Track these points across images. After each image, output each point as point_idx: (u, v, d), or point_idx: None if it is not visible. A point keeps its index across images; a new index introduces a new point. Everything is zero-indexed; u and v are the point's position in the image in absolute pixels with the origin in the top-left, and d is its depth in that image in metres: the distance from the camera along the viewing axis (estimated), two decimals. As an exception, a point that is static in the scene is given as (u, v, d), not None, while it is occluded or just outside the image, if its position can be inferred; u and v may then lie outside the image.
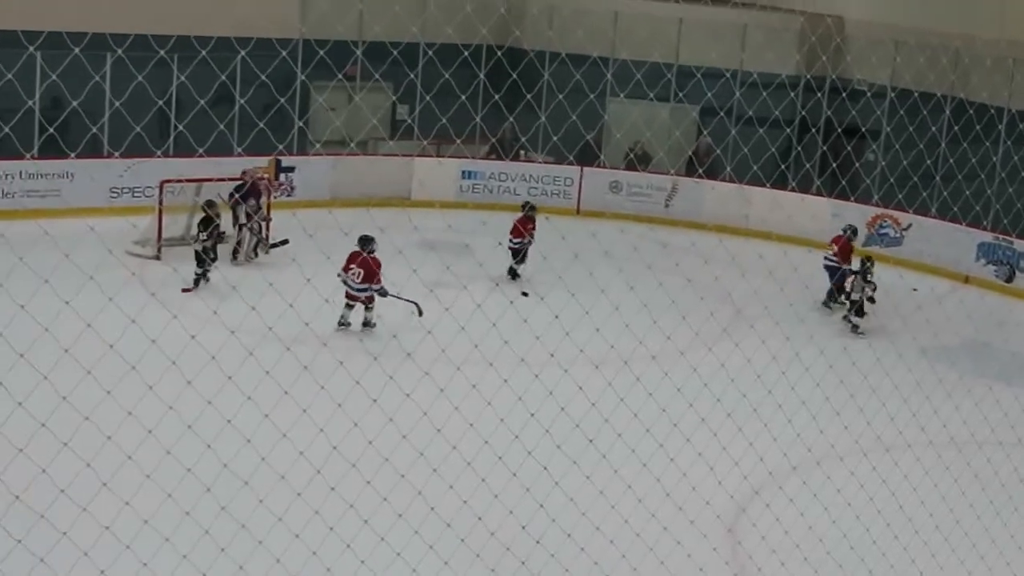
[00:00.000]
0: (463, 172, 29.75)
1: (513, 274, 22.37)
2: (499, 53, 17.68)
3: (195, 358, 9.05)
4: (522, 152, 30.56)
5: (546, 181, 30.25)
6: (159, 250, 22.60)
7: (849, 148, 22.61)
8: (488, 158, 30.09)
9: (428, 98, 10.33)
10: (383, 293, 18.72)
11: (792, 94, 16.20)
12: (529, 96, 14.56)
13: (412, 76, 13.54)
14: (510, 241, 22.63)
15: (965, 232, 26.76)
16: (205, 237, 21.03)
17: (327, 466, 10.18)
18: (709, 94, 26.49)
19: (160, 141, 24.52)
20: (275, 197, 25.33)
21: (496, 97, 12.11)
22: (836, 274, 23.34)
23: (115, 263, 11.67)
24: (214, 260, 20.83)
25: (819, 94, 26.58)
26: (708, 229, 26.31)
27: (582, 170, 29.97)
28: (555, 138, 23.55)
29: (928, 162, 22.56)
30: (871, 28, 28.91)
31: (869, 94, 24.92)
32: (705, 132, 30.80)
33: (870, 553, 12.33)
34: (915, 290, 20.42)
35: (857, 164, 25.56)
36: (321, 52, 11.34)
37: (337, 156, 27.74)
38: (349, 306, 18.84)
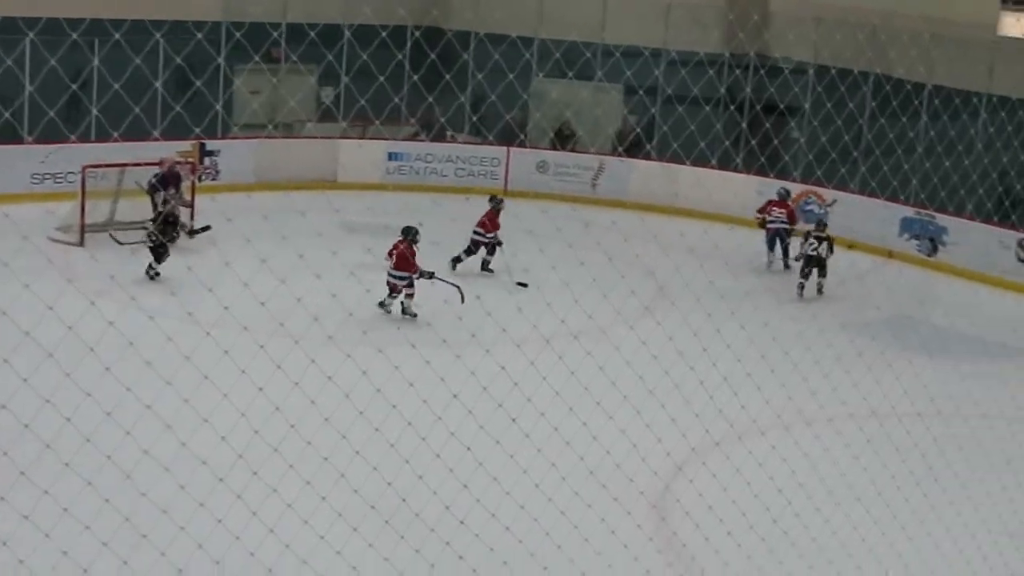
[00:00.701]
0: (389, 154, 29.64)
1: (485, 266, 21.19)
2: (416, 34, 17.65)
3: (114, 345, 9.01)
4: (448, 133, 30.51)
5: (472, 162, 30.22)
6: (82, 237, 22.40)
7: (768, 125, 22.80)
8: (413, 139, 30.03)
9: (346, 80, 10.28)
10: (428, 276, 18.41)
11: (710, 72, 16.23)
12: (448, 77, 14.54)
13: (330, 58, 13.44)
14: (476, 234, 21.53)
15: (888, 207, 27.07)
16: (158, 229, 20.73)
17: (249, 451, 10.17)
18: (628, 73, 26.56)
19: (80, 127, 24.28)
20: (199, 181, 25.16)
21: (414, 78, 12.09)
22: (787, 235, 25.08)
23: (33, 250, 11.58)
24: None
25: (736, 71, 26.77)
26: (627, 207, 26.45)
27: (509, 151, 29.95)
28: (474, 118, 23.52)
29: (846, 138, 22.75)
30: (794, 5, 29.13)
31: (787, 71, 25.09)
32: (626, 110, 30.94)
33: (793, 526, 12.45)
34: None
35: (776, 141, 25.72)
36: (238, 35, 11.28)
37: (261, 139, 27.59)
38: (390, 294, 18.74)
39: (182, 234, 22.76)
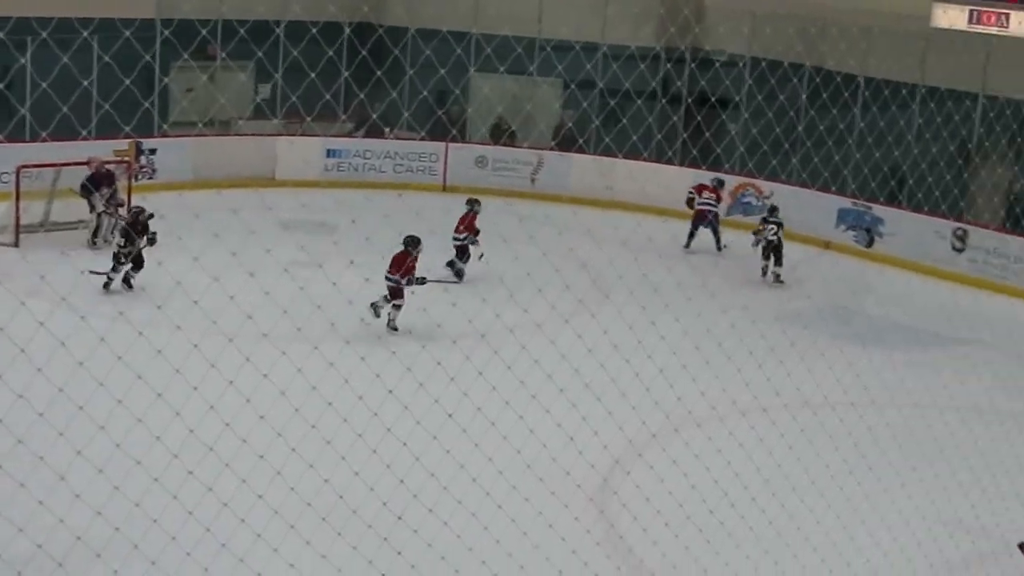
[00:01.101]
0: (327, 151, 29.57)
1: (459, 274, 20.90)
2: (348, 31, 17.62)
3: (46, 346, 8.95)
4: (386, 129, 30.46)
5: (411, 158, 30.19)
6: (17, 237, 22.22)
7: (699, 118, 22.93)
8: (349, 136, 29.97)
9: (278, 76, 10.27)
10: (420, 282, 17.93)
11: (641, 66, 16.31)
12: (380, 73, 14.52)
13: (260, 55, 13.40)
14: (456, 239, 21.23)
15: (825, 198, 27.30)
16: (123, 243, 20.36)
17: (184, 450, 10.14)
18: (559, 68, 26.62)
19: (15, 126, 24.08)
20: (135, 180, 25.00)
21: (346, 75, 12.07)
22: (716, 220, 26.12)
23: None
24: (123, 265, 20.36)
25: (668, 66, 26.92)
26: (564, 202, 26.54)
27: (447, 146, 29.96)
28: (406, 114, 23.47)
29: (777, 130, 22.90)
30: (729, -2, 29.35)
31: (718, 64, 25.23)
32: (559, 105, 31.01)
33: (730, 516, 12.57)
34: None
35: (707, 134, 25.88)
36: (166, 32, 11.22)
37: (198, 137, 27.46)
38: (386, 297, 18.17)
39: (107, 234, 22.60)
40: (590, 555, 11.95)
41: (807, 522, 12.99)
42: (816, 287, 23.05)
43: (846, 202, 27.42)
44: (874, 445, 14.36)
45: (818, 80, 26.19)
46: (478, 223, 21.35)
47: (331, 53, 11.82)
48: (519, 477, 11.87)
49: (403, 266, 18.28)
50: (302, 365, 10.42)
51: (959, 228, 25.96)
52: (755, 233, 24.47)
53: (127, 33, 9.33)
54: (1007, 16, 25.25)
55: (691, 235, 25.97)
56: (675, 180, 28.06)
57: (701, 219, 26.19)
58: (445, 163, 30.14)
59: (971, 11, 25.51)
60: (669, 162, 29.10)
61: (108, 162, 23.59)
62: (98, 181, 22.57)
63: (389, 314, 18.34)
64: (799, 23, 27.80)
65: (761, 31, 27.60)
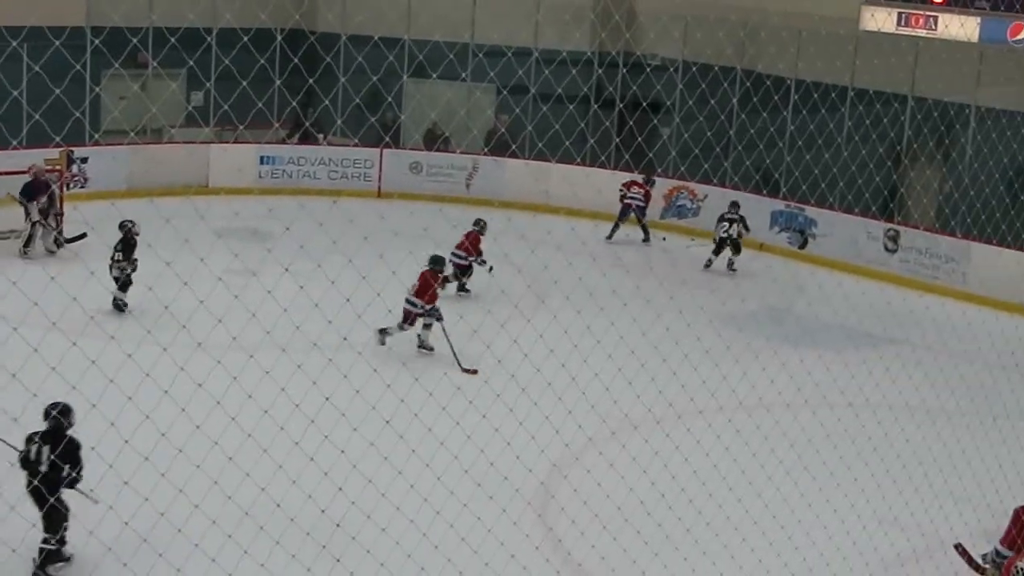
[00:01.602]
0: (261, 157, 29.42)
1: (462, 288, 21.03)
2: (279, 38, 17.57)
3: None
4: (320, 135, 30.37)
5: (345, 164, 30.10)
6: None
7: (631, 123, 23.01)
8: (282, 143, 29.87)
9: (210, 85, 10.23)
10: (438, 316, 17.31)
11: (572, 72, 16.38)
12: (312, 80, 14.51)
13: (191, 64, 13.35)
14: (456, 256, 20.91)
15: (758, 200, 27.49)
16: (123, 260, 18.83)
17: (119, 461, 10.06)
18: (491, 73, 26.64)
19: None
20: (67, 189, 24.78)
21: (278, 82, 12.04)
22: (642, 214, 27.29)
23: None
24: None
25: (600, 69, 27.04)
26: (495, 206, 26.56)
27: (382, 152, 29.90)
28: (339, 121, 23.38)
29: (709, 134, 23.06)
30: (659, 3, 29.47)
31: (649, 69, 25.36)
32: (492, 111, 31.04)
33: (667, 519, 12.64)
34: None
35: (640, 138, 26.01)
36: (96, 41, 11.16)
37: (130, 145, 27.25)
38: (403, 323, 17.47)
39: (58, 244, 22.36)
40: (529, 559, 11.98)
41: (744, 523, 13.09)
42: (750, 289, 23.23)
43: (779, 204, 27.64)
44: (809, 445, 14.48)
45: (749, 83, 26.51)
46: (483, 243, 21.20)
47: (263, 61, 11.79)
48: (457, 483, 11.89)
49: (429, 290, 17.60)
50: (238, 374, 10.38)
51: (891, 229, 26.24)
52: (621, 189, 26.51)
53: (57, 43, 9.25)
54: (935, 19, 25.56)
55: (615, 227, 26.93)
56: (609, 184, 28.16)
57: (625, 212, 27.13)
58: (380, 169, 30.09)
59: (900, 14, 25.80)
60: (603, 166, 29.22)
61: (46, 171, 23.36)
62: (36, 189, 22.33)
63: (420, 335, 17.72)
64: (730, 27, 28.04)
65: (692, 35, 27.81)
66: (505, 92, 29.21)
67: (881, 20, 25.94)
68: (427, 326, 17.76)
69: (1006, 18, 24.32)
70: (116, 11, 23.15)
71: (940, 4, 25.51)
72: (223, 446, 10.45)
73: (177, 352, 10.30)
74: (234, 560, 10.36)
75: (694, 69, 27.05)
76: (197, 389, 9.82)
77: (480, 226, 21.65)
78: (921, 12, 25.70)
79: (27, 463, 11.20)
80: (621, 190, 27.21)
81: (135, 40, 23.47)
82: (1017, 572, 10.86)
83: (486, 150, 29.49)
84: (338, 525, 11.42)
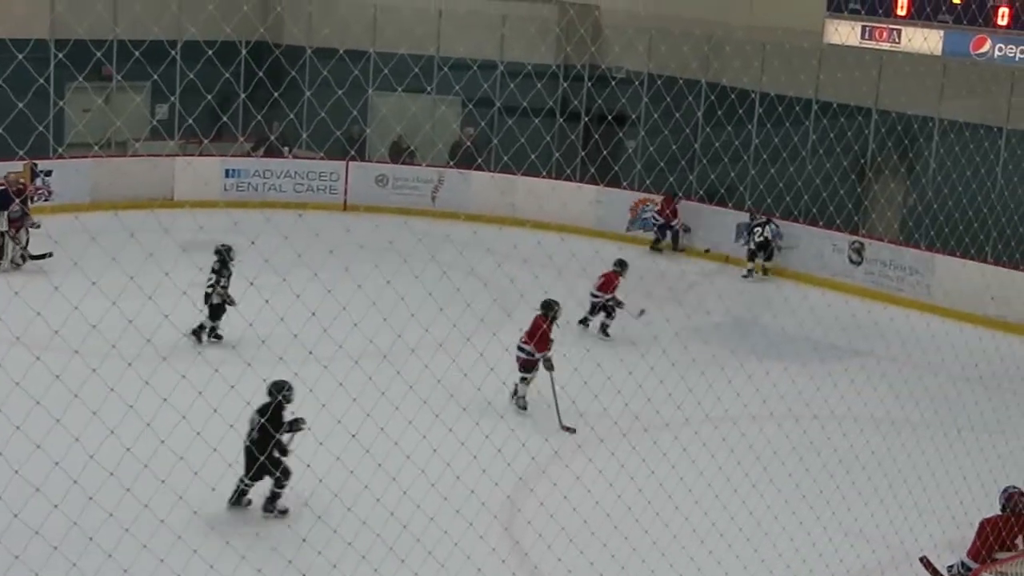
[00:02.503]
0: (226, 171, 29.33)
1: (604, 330, 20.68)
2: (244, 51, 17.52)
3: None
4: (286, 149, 30.29)
5: (311, 177, 30.05)
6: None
7: (597, 135, 23.05)
8: (247, 156, 29.78)
9: (174, 98, 10.20)
10: (548, 366, 16.40)
11: (538, 85, 16.41)
12: (277, 94, 14.49)
13: (156, 77, 13.30)
14: (594, 296, 20.78)
15: (723, 213, 27.59)
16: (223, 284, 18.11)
17: (84, 476, 10.00)
18: (457, 86, 26.67)
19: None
20: (32, 202, 24.63)
21: (243, 96, 12.02)
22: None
23: None
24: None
25: (565, 83, 27.10)
26: (460, 219, 26.59)
27: (347, 165, 29.87)
28: (304, 135, 23.32)
29: (674, 147, 23.11)
30: (623, 16, 29.58)
31: (614, 83, 25.43)
32: (457, 124, 31.04)
33: (633, 531, 12.65)
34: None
35: (605, 151, 26.04)
36: (60, 55, 11.10)
37: (95, 158, 27.17)
38: (523, 379, 16.83)
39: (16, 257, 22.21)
40: (496, 573, 11.97)
41: (710, 535, 13.09)
42: (716, 302, 23.27)
43: (744, 217, 27.72)
44: (774, 458, 14.51)
45: (714, 96, 26.57)
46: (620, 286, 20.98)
47: (227, 75, 11.76)
48: (423, 496, 11.86)
49: (538, 334, 16.82)
50: (203, 388, 10.34)
51: (855, 241, 26.36)
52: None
53: (20, 56, 9.20)
54: (898, 32, 25.68)
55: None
56: (574, 197, 28.24)
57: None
58: (346, 182, 30.07)
59: (863, 27, 25.91)
60: (568, 179, 29.27)
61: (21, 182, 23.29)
62: (6, 199, 22.15)
63: (516, 386, 16.90)
64: (694, 40, 28.13)
65: (657, 48, 27.89)
66: (471, 105, 29.24)
67: (845, 33, 26.06)
68: (524, 379, 16.89)
69: (969, 31, 24.45)
70: (80, 24, 23.00)
71: (903, 17, 25.63)
72: (189, 461, 10.40)
73: (142, 366, 10.26)
74: (201, 573, 10.32)
75: (659, 82, 27.05)
76: (162, 403, 9.78)
77: (620, 267, 21.27)
78: (884, 25, 25.82)
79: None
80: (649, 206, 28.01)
81: (99, 53, 23.39)
82: (982, 584, 10.91)
83: (452, 163, 29.49)
84: (304, 539, 11.38)
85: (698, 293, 24.12)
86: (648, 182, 27.91)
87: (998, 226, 24.04)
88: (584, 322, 20.63)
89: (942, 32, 24.95)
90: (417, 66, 22.83)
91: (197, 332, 17.25)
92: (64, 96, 26.00)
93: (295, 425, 13.03)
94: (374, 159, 30.86)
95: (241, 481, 13.05)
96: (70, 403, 9.44)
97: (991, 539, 11.66)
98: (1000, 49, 23.90)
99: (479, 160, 28.63)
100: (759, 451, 14.55)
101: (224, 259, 18.28)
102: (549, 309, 16.99)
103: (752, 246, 26.66)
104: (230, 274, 17.93)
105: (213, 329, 17.44)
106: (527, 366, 16.79)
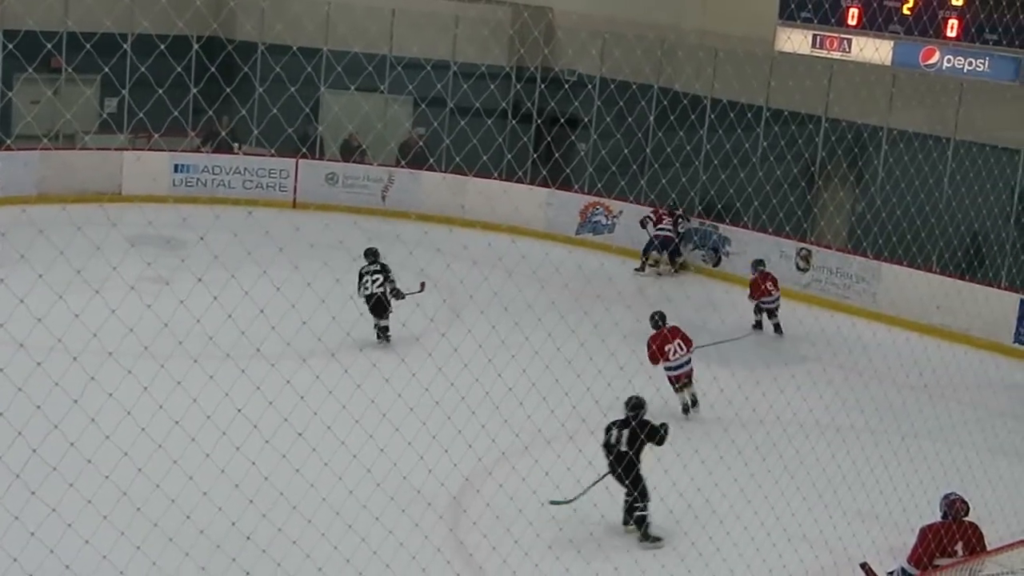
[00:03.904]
0: (176, 166, 29.16)
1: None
2: (196, 46, 17.44)
3: None
4: (236, 145, 30.15)
5: (261, 174, 29.92)
6: None
7: (549, 138, 23.07)
8: (196, 151, 29.61)
9: (125, 92, 10.14)
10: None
11: (492, 87, 16.40)
12: (228, 90, 14.42)
13: (107, 70, 13.20)
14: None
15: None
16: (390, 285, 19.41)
17: (27, 471, 9.93)
18: (410, 86, 26.60)
19: None
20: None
21: (194, 91, 11.97)
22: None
23: None
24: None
25: (518, 85, 27.12)
26: (411, 219, 26.55)
27: (297, 162, 29.78)
28: (255, 131, 23.22)
29: (626, 151, 23.18)
30: (577, 19, 29.63)
31: (568, 85, 25.47)
32: (409, 123, 31.03)
33: (579, 533, 12.70)
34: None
35: (556, 153, 26.06)
36: (10, 46, 11.01)
37: (43, 151, 26.97)
38: (677, 389, 18.09)
39: None
40: (441, 573, 11.96)
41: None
42: (664, 306, 23.30)
43: (694, 222, 27.83)
44: (720, 462, 14.58)
45: (666, 101, 26.70)
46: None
47: (179, 69, 11.71)
48: (370, 496, 11.83)
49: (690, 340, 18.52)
50: (148, 384, 10.29)
51: (803, 248, 26.53)
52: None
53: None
54: (849, 41, 25.83)
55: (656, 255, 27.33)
56: (525, 199, 28.26)
57: (665, 244, 27.12)
58: (296, 180, 29.97)
59: (814, 36, 26.04)
60: (520, 181, 29.30)
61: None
62: None
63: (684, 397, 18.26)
64: (647, 45, 28.23)
65: (610, 52, 27.99)
66: (423, 105, 29.21)
67: (796, 42, 26.19)
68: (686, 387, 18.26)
69: (919, 42, 24.64)
70: (31, 15, 22.86)
71: (854, 27, 25.80)
72: (133, 457, 10.34)
73: (88, 361, 10.19)
74: (143, 571, 10.27)
75: (612, 86, 27.23)
76: (107, 399, 9.72)
77: (761, 266, 23.29)
78: (835, 34, 25.96)
79: (608, 446, 14.13)
80: (649, 219, 27.26)
81: (49, 45, 23.21)
82: (923, 589, 11.00)
83: (403, 162, 29.46)
84: (248, 537, 11.34)
85: (648, 297, 24.20)
86: (599, 185, 28.02)
87: (944, 236, 24.25)
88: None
89: (892, 43, 25.11)
90: (370, 65, 22.77)
91: (381, 334, 18.27)
92: (12, 87, 25.79)
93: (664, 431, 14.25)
94: (325, 157, 30.77)
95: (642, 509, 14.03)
96: (15, 397, 9.39)
97: (932, 545, 11.76)
98: (949, 61, 24.08)
99: (431, 160, 28.62)
100: (704, 455, 14.60)
101: (377, 258, 19.54)
102: (660, 321, 18.39)
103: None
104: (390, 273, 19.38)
105: (386, 328, 18.64)
106: (689, 377, 18.20)
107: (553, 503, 13.99)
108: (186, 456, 10.56)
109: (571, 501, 14.04)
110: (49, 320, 9.80)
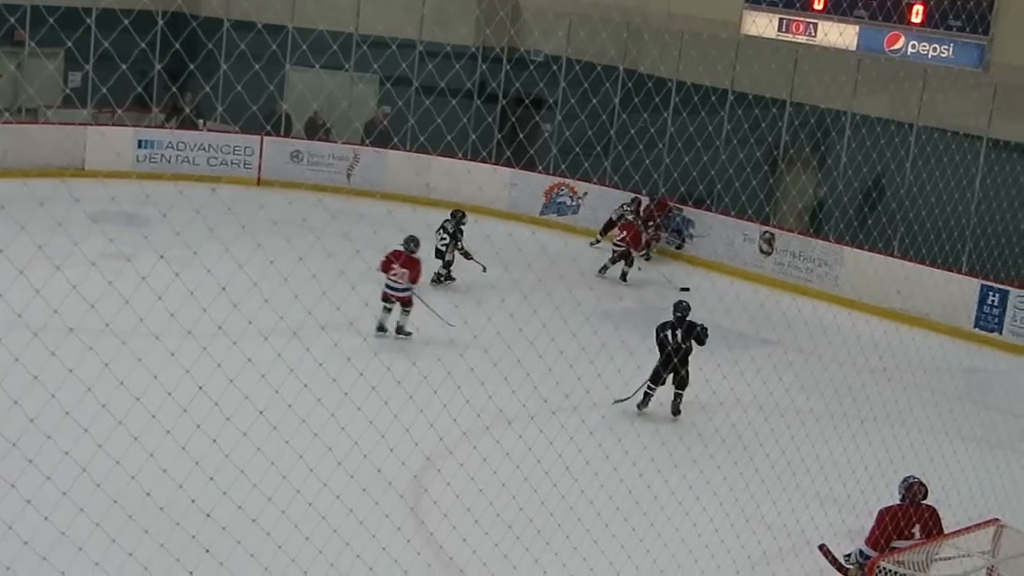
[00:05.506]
0: (139, 141, 29.00)
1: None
2: (161, 22, 17.37)
3: None
4: (200, 121, 30.01)
5: (225, 151, 29.80)
6: None
7: (514, 118, 23.07)
8: (160, 127, 29.48)
9: (88, 67, 10.09)
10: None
11: (457, 66, 16.42)
12: (193, 66, 14.38)
13: (69, 44, 13.16)
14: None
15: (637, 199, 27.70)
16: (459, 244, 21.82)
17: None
18: (376, 64, 26.57)
19: None
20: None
21: (159, 67, 11.93)
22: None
23: None
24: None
25: (483, 65, 27.14)
26: (376, 197, 26.53)
27: (262, 139, 29.69)
28: (220, 108, 23.13)
29: (590, 132, 23.20)
30: (545, 0, 29.62)
31: (533, 66, 25.50)
32: (374, 102, 30.97)
33: (540, 513, 12.72)
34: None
35: (522, 135, 26.10)
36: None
37: (4, 124, 26.78)
38: (387, 308, 17.93)
39: None
40: (401, 552, 11.98)
41: (615, 518, 13.19)
42: (627, 288, 23.42)
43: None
44: (680, 443, 14.68)
45: (631, 83, 26.75)
46: None
47: (143, 45, 11.67)
48: (330, 474, 11.84)
49: (419, 275, 18.25)
50: (109, 361, 10.26)
51: (766, 231, 26.62)
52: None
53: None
54: (815, 26, 25.96)
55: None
56: (489, 179, 28.27)
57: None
58: (260, 157, 29.88)
59: (780, 20, 26.18)
60: (484, 161, 29.30)
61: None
62: None
63: (399, 322, 17.75)
64: (614, 27, 28.26)
65: (576, 33, 27.99)
66: (388, 84, 29.17)
67: (762, 25, 26.33)
68: (405, 312, 17.68)
69: (884, 28, 24.78)
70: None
71: (820, 12, 25.92)
72: (93, 434, 10.32)
73: (48, 337, 10.15)
74: (102, 548, 10.25)
75: (577, 67, 27.24)
76: (68, 375, 9.68)
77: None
78: (801, 19, 26.09)
79: (663, 343, 17.13)
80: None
81: (13, 19, 23.08)
82: (880, 572, 11.09)
83: (368, 141, 29.41)
84: (208, 515, 11.31)
85: (609, 278, 24.26)
86: (564, 166, 28.04)
87: (906, 221, 24.40)
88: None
89: (857, 27, 25.28)
90: (336, 43, 22.72)
91: (437, 278, 20.69)
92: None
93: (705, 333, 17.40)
94: (290, 135, 30.69)
95: (649, 387, 16.86)
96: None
97: (889, 528, 11.87)
98: (913, 46, 24.26)
99: (395, 139, 28.58)
100: (664, 436, 14.70)
101: (458, 222, 21.95)
102: (410, 243, 18.42)
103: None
104: (462, 235, 21.74)
105: (448, 275, 21.16)
106: (406, 303, 17.68)
107: (616, 401, 16.39)
108: (147, 434, 10.54)
109: (629, 398, 16.42)
110: (10, 296, 9.76)
